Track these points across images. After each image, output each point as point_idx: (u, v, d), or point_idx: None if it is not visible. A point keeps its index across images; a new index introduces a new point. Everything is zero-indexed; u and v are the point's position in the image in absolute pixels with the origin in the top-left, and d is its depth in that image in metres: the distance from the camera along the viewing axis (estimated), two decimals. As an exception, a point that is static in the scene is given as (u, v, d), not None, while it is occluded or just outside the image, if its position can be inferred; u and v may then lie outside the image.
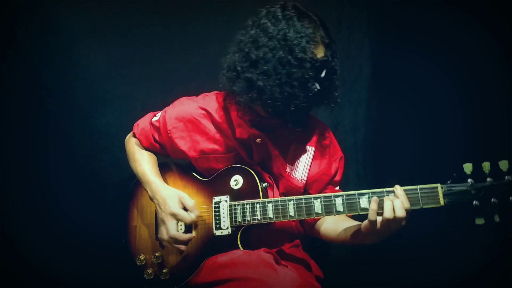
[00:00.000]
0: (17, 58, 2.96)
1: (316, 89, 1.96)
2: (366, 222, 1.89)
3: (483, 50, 2.68)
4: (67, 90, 3.09)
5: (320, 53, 1.98)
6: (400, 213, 1.81)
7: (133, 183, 2.40)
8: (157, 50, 3.14)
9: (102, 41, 3.09)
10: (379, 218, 1.85)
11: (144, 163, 2.32)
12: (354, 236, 2.03)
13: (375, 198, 1.87)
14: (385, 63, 3.03)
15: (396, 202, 1.83)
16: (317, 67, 1.96)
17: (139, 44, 3.14)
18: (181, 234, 2.13)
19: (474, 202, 1.80)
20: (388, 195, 1.87)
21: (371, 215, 1.87)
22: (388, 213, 1.82)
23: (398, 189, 1.87)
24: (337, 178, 2.32)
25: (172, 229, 2.13)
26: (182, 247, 2.14)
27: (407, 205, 1.84)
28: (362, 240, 2.00)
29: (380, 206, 1.85)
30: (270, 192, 2.22)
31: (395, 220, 1.82)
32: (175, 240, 2.13)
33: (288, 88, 1.94)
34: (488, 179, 1.79)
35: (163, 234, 2.16)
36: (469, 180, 1.81)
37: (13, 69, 2.95)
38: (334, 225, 2.15)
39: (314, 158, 2.26)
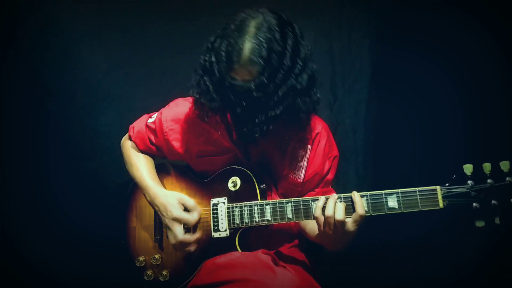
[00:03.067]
0: (17, 58, 2.97)
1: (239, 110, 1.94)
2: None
3: (483, 50, 2.68)
4: (67, 90, 3.09)
5: (241, 74, 1.89)
6: (339, 216, 1.85)
7: (131, 185, 2.40)
8: (157, 50, 3.14)
9: (102, 41, 3.10)
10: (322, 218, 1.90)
11: (141, 167, 2.30)
12: (318, 238, 2.06)
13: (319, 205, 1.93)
14: (385, 63, 3.02)
15: (338, 205, 1.87)
16: (235, 89, 1.91)
17: (139, 44, 3.14)
18: (189, 237, 2.12)
19: (474, 204, 1.78)
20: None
21: (316, 218, 1.94)
22: (328, 212, 1.87)
23: (354, 195, 1.89)
24: (329, 177, 2.30)
25: (180, 233, 2.11)
26: (193, 247, 2.14)
27: (360, 211, 1.86)
28: (322, 243, 2.05)
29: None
30: (268, 193, 2.21)
31: (337, 222, 1.85)
32: (185, 244, 2.13)
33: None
34: (489, 181, 1.77)
35: (171, 240, 2.15)
36: (469, 181, 1.80)
37: (13, 69, 2.96)
38: (314, 224, 2.13)
39: (310, 157, 2.25)
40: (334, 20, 3.09)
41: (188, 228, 2.16)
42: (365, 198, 1.89)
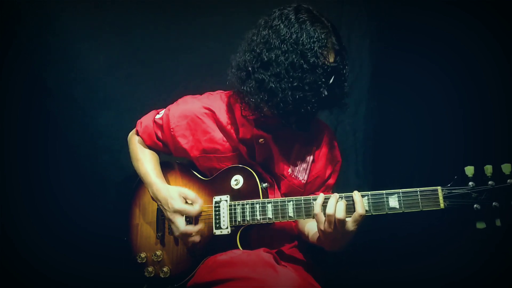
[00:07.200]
0: (17, 58, 2.96)
1: (323, 95, 1.96)
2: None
3: (483, 50, 2.67)
4: (67, 90, 3.09)
5: (330, 59, 1.99)
6: (339, 214, 1.85)
7: (136, 182, 2.41)
8: (157, 50, 3.14)
9: (102, 41, 3.09)
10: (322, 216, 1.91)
11: (146, 163, 2.32)
12: (316, 238, 2.07)
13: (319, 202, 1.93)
14: (385, 63, 3.02)
15: (339, 204, 1.87)
16: (328, 73, 1.97)
17: (139, 44, 3.14)
18: (191, 228, 2.14)
19: (475, 205, 1.79)
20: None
21: (315, 215, 1.94)
22: (329, 210, 1.87)
23: (355, 194, 1.90)
24: (331, 181, 2.33)
25: (181, 225, 2.13)
26: (197, 238, 2.15)
27: (361, 211, 1.86)
28: (321, 243, 2.04)
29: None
30: (271, 193, 2.22)
31: (338, 221, 1.86)
32: (187, 235, 2.14)
33: (300, 92, 1.95)
34: (490, 182, 1.78)
35: (175, 232, 2.17)
36: (470, 183, 1.80)
37: (13, 69, 2.95)
38: (313, 225, 2.14)
39: (314, 159, 2.27)
40: (334, 20, 3.08)
41: (191, 220, 2.18)
42: (366, 198, 1.90)
